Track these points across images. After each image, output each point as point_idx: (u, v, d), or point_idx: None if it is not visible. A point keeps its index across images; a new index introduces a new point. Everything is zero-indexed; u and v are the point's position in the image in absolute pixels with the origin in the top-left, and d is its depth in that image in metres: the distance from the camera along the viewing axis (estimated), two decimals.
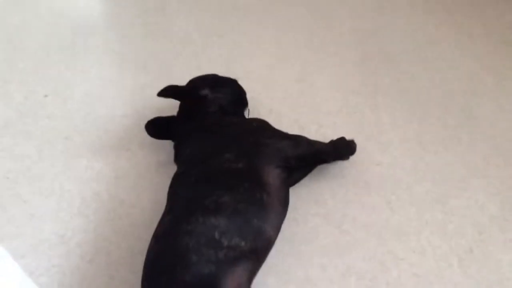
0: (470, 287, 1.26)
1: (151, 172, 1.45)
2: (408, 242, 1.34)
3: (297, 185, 1.44)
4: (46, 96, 1.60)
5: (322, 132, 1.58)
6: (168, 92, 1.36)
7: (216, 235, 1.05)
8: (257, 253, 1.10)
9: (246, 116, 1.50)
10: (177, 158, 1.33)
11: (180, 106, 1.41)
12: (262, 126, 1.36)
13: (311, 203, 1.41)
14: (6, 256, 1.22)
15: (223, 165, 1.19)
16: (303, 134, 1.56)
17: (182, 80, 1.53)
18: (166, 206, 1.18)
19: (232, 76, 1.56)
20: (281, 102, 1.64)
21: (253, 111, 1.60)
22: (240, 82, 1.56)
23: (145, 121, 1.39)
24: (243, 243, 1.07)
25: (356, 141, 1.54)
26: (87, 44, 1.78)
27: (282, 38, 1.82)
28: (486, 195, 1.44)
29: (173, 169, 1.31)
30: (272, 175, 1.23)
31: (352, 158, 1.51)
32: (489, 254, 1.32)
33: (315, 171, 1.47)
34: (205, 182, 1.15)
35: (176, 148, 1.35)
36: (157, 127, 1.38)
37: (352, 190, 1.44)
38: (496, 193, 1.45)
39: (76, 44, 1.79)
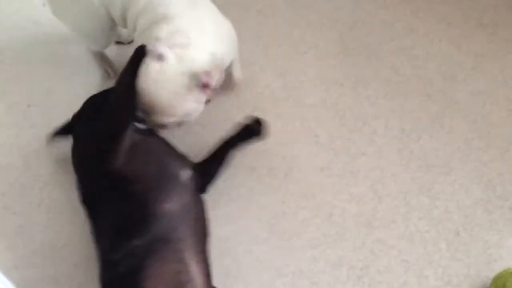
0: (459, 270, 1.29)
1: None
2: (397, 229, 1.36)
3: (284, 179, 1.46)
4: (29, 106, 1.60)
5: (307, 125, 1.59)
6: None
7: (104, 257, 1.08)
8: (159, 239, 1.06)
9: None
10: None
11: None
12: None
13: (300, 197, 1.42)
14: None
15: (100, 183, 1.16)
16: (287, 128, 1.58)
17: None
18: None
19: None
20: (264, 99, 1.65)
21: (236, 109, 1.61)
22: None
23: None
24: (135, 242, 1.04)
25: (340, 133, 1.56)
26: (68, 52, 1.77)
27: (262, 32, 1.83)
28: (470, 178, 1.47)
29: None
30: (125, 164, 1.16)
31: (337, 149, 1.53)
32: (476, 236, 1.36)
33: (300, 165, 1.49)
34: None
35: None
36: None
37: (339, 181, 1.46)
38: (480, 176, 1.48)
39: (56, 53, 1.78)
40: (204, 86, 1.19)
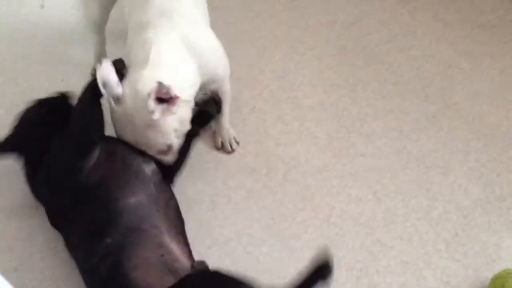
0: (458, 270, 1.29)
1: None
2: (395, 230, 1.37)
3: (283, 180, 1.46)
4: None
5: (305, 126, 1.60)
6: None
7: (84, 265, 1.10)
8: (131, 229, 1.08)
9: None
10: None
11: None
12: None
13: (299, 198, 1.43)
14: None
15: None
16: (286, 130, 1.58)
17: None
18: None
19: None
20: (263, 100, 1.66)
21: (235, 110, 1.61)
22: None
23: None
24: (108, 240, 1.07)
25: (338, 134, 1.57)
26: (67, 53, 1.77)
27: (260, 35, 1.83)
28: (469, 179, 1.48)
29: None
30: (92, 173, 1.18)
31: (336, 150, 1.53)
32: (475, 236, 1.36)
33: (299, 166, 1.49)
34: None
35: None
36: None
37: (338, 183, 1.46)
38: (479, 176, 1.48)
39: (55, 54, 1.78)
40: (165, 99, 1.14)
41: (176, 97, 1.16)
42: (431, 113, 1.64)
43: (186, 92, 1.22)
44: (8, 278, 1.11)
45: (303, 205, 1.41)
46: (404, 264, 1.29)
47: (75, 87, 1.53)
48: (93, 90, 1.15)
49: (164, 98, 1.14)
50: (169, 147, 1.23)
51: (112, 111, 1.20)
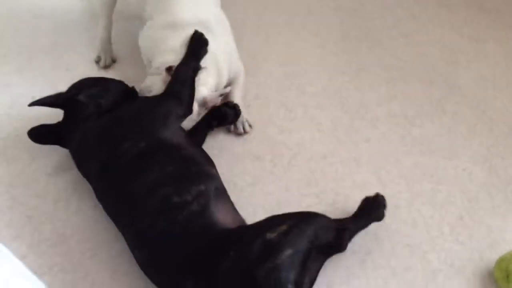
0: (462, 254, 1.30)
1: None
2: (400, 214, 1.37)
3: (288, 167, 1.47)
4: (33, 97, 1.60)
5: (309, 113, 1.60)
6: (39, 102, 1.37)
7: (175, 199, 1.14)
8: (217, 189, 1.21)
9: None
10: (81, 169, 1.34)
11: (63, 113, 1.40)
12: (139, 102, 1.37)
13: (303, 184, 1.43)
14: (10, 256, 1.24)
15: (128, 156, 1.21)
16: (290, 116, 1.59)
17: None
18: (113, 217, 1.24)
19: None
20: (267, 87, 1.66)
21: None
22: None
23: None
24: (202, 187, 1.17)
25: (342, 120, 1.57)
26: (71, 43, 1.78)
27: (263, 22, 1.83)
28: (473, 163, 1.48)
29: None
30: (176, 137, 1.29)
31: (340, 137, 1.54)
32: (479, 220, 1.36)
33: (303, 152, 1.50)
34: (126, 180, 1.20)
35: (74, 157, 1.36)
36: (40, 135, 1.40)
37: (342, 168, 1.47)
38: (483, 160, 1.49)
39: (58, 44, 1.78)
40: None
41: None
42: (435, 98, 1.64)
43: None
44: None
45: (307, 191, 1.42)
46: (409, 248, 1.30)
47: (81, 76, 1.55)
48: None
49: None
50: None
51: None
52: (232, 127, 1.54)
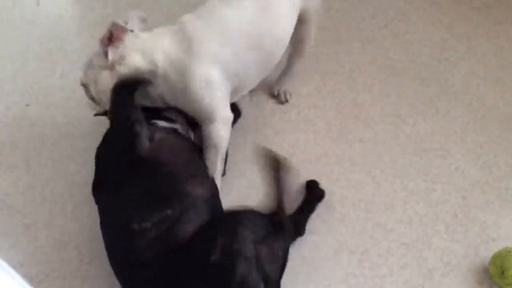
0: (457, 251, 1.31)
1: None
2: (395, 213, 1.38)
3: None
4: (27, 105, 1.61)
5: (303, 114, 1.61)
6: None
7: (134, 226, 1.11)
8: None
9: None
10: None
11: None
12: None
13: (299, 185, 1.44)
14: (4, 266, 1.24)
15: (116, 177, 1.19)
16: (285, 118, 1.59)
17: None
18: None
19: None
20: (260, 90, 1.67)
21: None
22: None
23: None
24: (169, 211, 1.12)
25: (336, 121, 1.58)
26: (64, 49, 1.78)
27: None
28: (467, 160, 1.49)
29: None
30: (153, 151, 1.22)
31: (334, 137, 1.55)
32: (474, 217, 1.38)
33: (298, 154, 1.50)
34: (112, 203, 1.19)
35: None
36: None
37: (338, 168, 1.48)
38: (476, 158, 1.50)
39: (52, 50, 1.78)
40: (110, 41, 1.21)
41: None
42: (428, 97, 1.65)
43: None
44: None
45: (303, 191, 1.43)
46: (404, 246, 1.31)
47: (74, 83, 1.55)
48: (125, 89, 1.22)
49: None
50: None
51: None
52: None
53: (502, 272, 1.20)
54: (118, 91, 1.22)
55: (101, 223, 1.20)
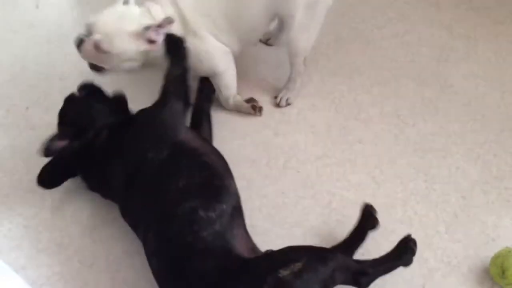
0: (458, 251, 1.31)
1: None
2: (395, 214, 1.38)
3: (283, 169, 1.47)
4: (27, 108, 1.61)
5: (303, 115, 1.61)
6: (53, 153, 1.30)
7: (201, 213, 1.12)
8: (235, 208, 1.20)
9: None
10: (100, 190, 1.35)
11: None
12: (145, 114, 1.35)
13: (299, 186, 1.44)
14: (7, 269, 1.25)
15: (154, 166, 1.22)
16: (284, 119, 1.60)
17: None
18: (136, 226, 1.23)
19: None
20: (260, 91, 1.67)
21: None
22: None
23: None
24: (224, 206, 1.15)
25: (336, 121, 1.58)
26: (63, 52, 1.79)
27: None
28: (466, 160, 1.49)
29: None
30: (190, 138, 1.30)
31: (334, 138, 1.55)
32: (474, 217, 1.38)
33: (298, 155, 1.51)
34: (155, 188, 1.19)
35: (90, 180, 1.36)
36: (52, 179, 1.37)
37: (337, 169, 1.48)
38: (476, 157, 1.50)
39: (51, 53, 1.79)
40: (150, 41, 1.32)
41: (155, 44, 1.34)
42: (427, 97, 1.65)
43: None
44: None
45: (303, 193, 1.43)
46: None
47: (74, 86, 1.55)
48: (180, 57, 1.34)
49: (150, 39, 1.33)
50: (108, 54, 1.34)
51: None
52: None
53: (503, 272, 1.20)
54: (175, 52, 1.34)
55: (137, 213, 1.20)
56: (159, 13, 1.36)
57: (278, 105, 1.63)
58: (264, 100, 1.64)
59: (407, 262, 1.18)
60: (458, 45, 1.81)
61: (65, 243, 1.32)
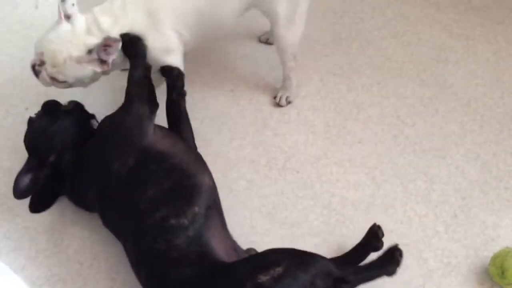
0: (458, 251, 1.31)
1: None
2: (395, 214, 1.38)
3: (282, 170, 1.47)
4: (27, 108, 1.61)
5: (303, 115, 1.61)
6: (26, 192, 1.31)
7: (172, 221, 1.11)
8: (210, 207, 1.18)
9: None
10: (83, 205, 1.34)
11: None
12: (108, 121, 1.34)
13: (299, 187, 1.44)
14: (6, 270, 1.25)
15: (121, 175, 1.20)
16: (284, 119, 1.60)
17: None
18: (118, 238, 1.23)
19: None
20: (259, 91, 1.67)
21: (233, 103, 1.63)
22: (217, 80, 1.57)
23: None
24: (196, 209, 1.14)
25: (335, 122, 1.58)
26: None
27: (254, 25, 1.84)
28: (466, 160, 1.49)
29: None
30: (158, 141, 1.27)
31: (333, 138, 1.55)
32: (473, 217, 1.38)
33: (297, 155, 1.51)
34: (125, 199, 1.19)
35: (73, 198, 1.35)
36: (40, 204, 1.37)
37: (337, 170, 1.48)
38: (475, 157, 1.50)
39: None
40: (102, 61, 1.29)
41: (107, 65, 1.31)
42: (426, 97, 1.65)
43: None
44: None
45: (303, 193, 1.43)
46: (404, 247, 1.29)
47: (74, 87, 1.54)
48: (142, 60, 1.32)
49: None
50: (63, 82, 1.34)
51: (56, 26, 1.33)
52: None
53: (502, 272, 1.20)
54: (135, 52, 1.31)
55: (116, 225, 1.20)
56: (107, 24, 1.30)
57: (278, 105, 1.62)
58: (264, 100, 1.65)
59: (391, 272, 1.15)
60: (458, 45, 1.81)
61: (64, 243, 1.32)
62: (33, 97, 1.65)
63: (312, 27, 1.85)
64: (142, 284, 1.14)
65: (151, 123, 1.28)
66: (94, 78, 1.35)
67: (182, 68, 1.41)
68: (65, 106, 1.42)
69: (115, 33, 1.30)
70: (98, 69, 1.31)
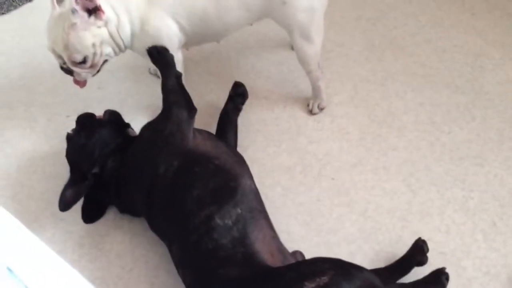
0: (497, 260, 1.30)
1: None
2: (432, 222, 1.38)
3: (318, 177, 1.48)
4: (68, 116, 1.66)
5: (337, 123, 1.62)
6: (70, 203, 1.33)
7: (218, 221, 1.13)
8: (253, 209, 1.19)
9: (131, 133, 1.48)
10: (132, 212, 1.38)
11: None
12: (146, 129, 1.37)
13: (334, 194, 1.45)
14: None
15: (167, 179, 1.23)
16: (318, 127, 1.61)
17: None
18: (164, 240, 1.26)
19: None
20: (293, 99, 1.68)
21: (267, 110, 1.65)
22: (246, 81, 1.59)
23: None
24: (239, 210, 1.16)
25: (370, 129, 1.58)
26: None
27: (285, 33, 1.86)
28: (504, 168, 1.48)
29: None
30: (200, 143, 1.30)
31: (368, 145, 1.55)
32: None
33: (332, 162, 1.51)
34: (172, 201, 1.22)
35: (121, 206, 1.39)
36: (92, 214, 1.41)
37: (372, 177, 1.48)
38: None
39: None
40: (90, 11, 1.29)
41: (100, 10, 1.29)
42: (462, 104, 1.64)
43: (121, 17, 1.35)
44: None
45: (338, 200, 1.44)
46: (442, 256, 1.31)
47: (112, 94, 1.60)
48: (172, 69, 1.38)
49: (89, 9, 1.29)
50: (84, 59, 1.35)
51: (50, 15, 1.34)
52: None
53: None
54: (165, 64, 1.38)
55: (160, 223, 1.23)
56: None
57: (311, 112, 1.64)
58: (297, 108, 1.66)
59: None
60: (493, 51, 1.79)
61: (106, 248, 1.36)
62: (74, 105, 1.70)
63: (344, 35, 1.87)
64: (187, 285, 1.15)
65: (190, 127, 1.32)
66: (105, 39, 1.36)
67: (178, 58, 1.45)
68: (100, 117, 1.45)
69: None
70: (95, 22, 1.30)
